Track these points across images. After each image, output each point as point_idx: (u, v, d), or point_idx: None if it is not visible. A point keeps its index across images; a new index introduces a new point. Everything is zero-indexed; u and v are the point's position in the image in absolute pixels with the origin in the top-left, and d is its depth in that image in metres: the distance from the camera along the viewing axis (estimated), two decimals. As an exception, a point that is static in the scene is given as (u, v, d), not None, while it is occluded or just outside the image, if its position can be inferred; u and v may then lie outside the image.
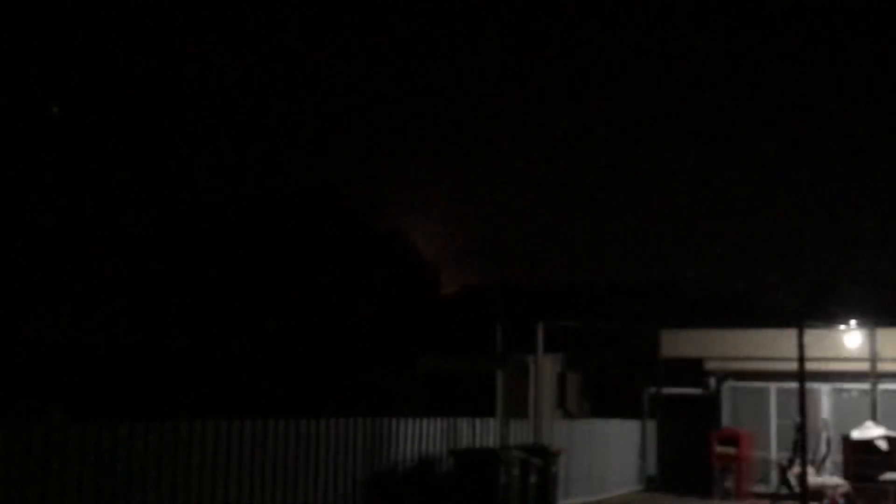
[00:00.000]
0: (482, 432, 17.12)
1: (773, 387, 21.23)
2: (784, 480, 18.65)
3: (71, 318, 24.02)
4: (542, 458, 16.42)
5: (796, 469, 17.93)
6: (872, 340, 20.46)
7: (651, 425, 22.54)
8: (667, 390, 22.77)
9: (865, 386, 20.49)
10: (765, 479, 20.91)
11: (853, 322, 19.87)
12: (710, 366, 22.20)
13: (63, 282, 24.17)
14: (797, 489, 17.71)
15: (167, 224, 27.31)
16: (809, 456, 18.07)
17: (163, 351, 24.43)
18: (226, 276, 27.05)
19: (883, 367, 20.41)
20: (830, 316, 19.96)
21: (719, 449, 20.50)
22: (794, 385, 18.09)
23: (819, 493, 18.03)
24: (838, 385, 20.77)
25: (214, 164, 30.18)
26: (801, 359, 16.95)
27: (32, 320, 23.56)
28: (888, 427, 19.65)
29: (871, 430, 19.43)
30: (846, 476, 19.09)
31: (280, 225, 28.78)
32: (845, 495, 18.30)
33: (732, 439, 20.52)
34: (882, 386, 20.39)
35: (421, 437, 15.66)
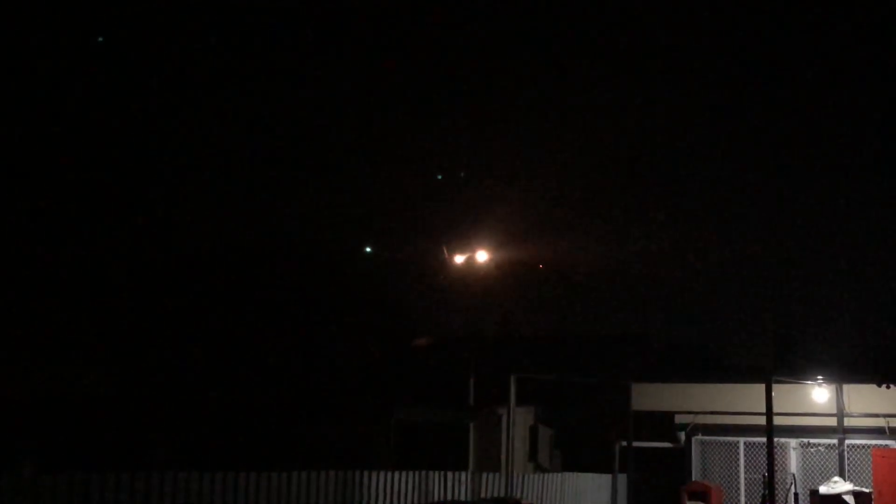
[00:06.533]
0: (454, 485, 17.19)
1: (741, 441, 21.44)
2: (753, 535, 18.77)
3: (43, 367, 23.95)
4: (513, 511, 16.53)
5: (764, 523, 18.07)
6: (839, 396, 20.71)
7: (622, 479, 22.63)
8: (637, 444, 22.90)
9: (833, 441, 20.71)
10: (734, 534, 21.06)
11: (820, 377, 20.11)
12: (681, 420, 22.40)
13: (34, 331, 24.12)
14: (765, 543, 17.84)
15: (136, 276, 27.38)
16: (777, 510, 18.23)
17: (136, 401, 24.36)
18: (198, 326, 27.08)
19: (850, 422, 20.65)
20: (798, 371, 20.20)
21: (689, 503, 20.60)
22: (762, 439, 18.30)
23: (787, 547, 18.16)
24: (806, 440, 20.98)
25: (182, 219, 30.28)
26: (769, 413, 17.16)
27: (3, 370, 23.47)
28: (855, 482, 19.85)
29: (838, 486, 19.59)
30: (814, 531, 19.24)
31: (255, 275, 28.89)
32: (813, 550, 18.44)
33: (702, 493, 20.61)
34: (849, 441, 20.60)
35: (392, 491, 15.73)
